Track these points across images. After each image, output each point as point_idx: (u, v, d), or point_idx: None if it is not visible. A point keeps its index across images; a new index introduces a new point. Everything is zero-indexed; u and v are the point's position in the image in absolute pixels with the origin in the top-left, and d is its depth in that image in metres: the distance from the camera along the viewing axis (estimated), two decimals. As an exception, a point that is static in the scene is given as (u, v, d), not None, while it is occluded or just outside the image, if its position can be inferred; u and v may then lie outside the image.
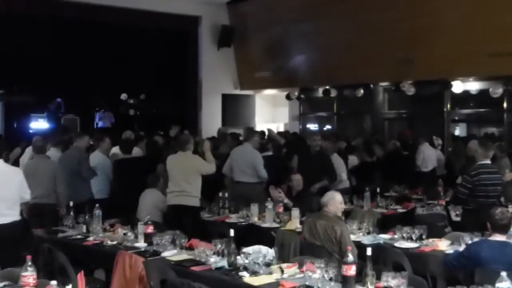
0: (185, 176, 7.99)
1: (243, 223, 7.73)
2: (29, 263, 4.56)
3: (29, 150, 9.44)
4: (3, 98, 15.84)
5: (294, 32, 16.08)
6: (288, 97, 17.21)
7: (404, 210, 8.58)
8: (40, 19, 14.68)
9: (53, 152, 9.14)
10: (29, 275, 4.54)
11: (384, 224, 7.50)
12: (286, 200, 8.06)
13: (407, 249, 6.16)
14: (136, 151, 10.08)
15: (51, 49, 14.81)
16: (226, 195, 8.49)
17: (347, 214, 7.59)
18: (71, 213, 7.26)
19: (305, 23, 15.56)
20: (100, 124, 16.17)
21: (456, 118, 14.85)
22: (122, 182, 9.01)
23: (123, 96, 16.38)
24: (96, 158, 9.22)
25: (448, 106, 14.38)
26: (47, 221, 7.52)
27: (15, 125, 13.89)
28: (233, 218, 7.98)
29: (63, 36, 15.14)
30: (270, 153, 10.24)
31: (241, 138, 11.56)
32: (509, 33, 11.77)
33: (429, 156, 11.31)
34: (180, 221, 7.46)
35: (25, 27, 14.58)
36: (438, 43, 12.91)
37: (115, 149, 9.77)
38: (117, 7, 15.53)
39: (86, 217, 7.08)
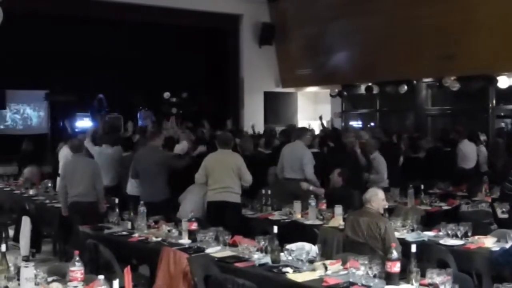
0: (227, 172, 8.00)
1: (286, 220, 7.73)
2: (77, 258, 4.64)
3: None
4: (48, 98, 16.17)
5: (335, 28, 16.01)
6: (336, 94, 17.17)
7: (449, 207, 8.48)
8: (82, 19, 14.89)
9: (107, 150, 9.47)
10: (77, 270, 4.62)
11: (429, 221, 7.44)
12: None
13: (452, 246, 6.09)
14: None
15: (93, 49, 15.02)
16: (269, 192, 8.49)
17: (390, 211, 7.54)
18: (116, 210, 7.37)
19: (346, 20, 15.48)
20: (142, 123, 16.33)
21: (502, 113, 14.61)
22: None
23: (166, 94, 16.51)
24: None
25: (494, 101, 14.15)
26: (89, 219, 7.61)
27: (60, 124, 14.14)
28: (276, 215, 7.99)
29: (106, 36, 15.34)
30: (315, 150, 10.26)
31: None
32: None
33: (468, 153, 11.11)
34: (222, 217, 7.49)
35: (67, 28, 14.81)
36: (480, 37, 12.74)
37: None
38: (159, 7, 15.66)
39: (131, 214, 7.18)
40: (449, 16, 13.07)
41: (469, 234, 6.23)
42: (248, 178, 8.03)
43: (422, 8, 13.51)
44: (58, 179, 10.96)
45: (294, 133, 10.09)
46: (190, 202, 8.05)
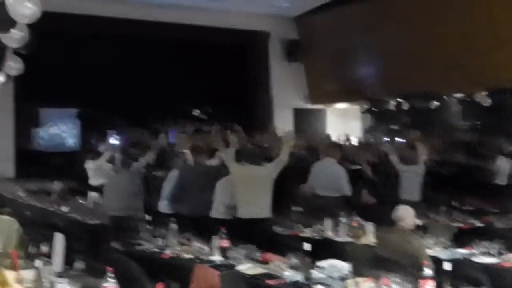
0: (257, 187, 8.00)
1: (317, 237, 7.71)
2: (110, 275, 4.67)
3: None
4: (80, 115, 16.39)
5: (362, 43, 15.98)
6: (365, 110, 17.13)
7: (482, 225, 8.38)
8: (112, 37, 15.12)
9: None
10: (110, 286, 4.65)
11: (461, 238, 7.34)
12: None
13: (486, 264, 6.02)
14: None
15: (124, 66, 15.21)
16: (300, 209, 8.47)
17: (422, 228, 7.47)
18: (148, 226, 7.40)
19: (373, 34, 15.43)
20: (172, 140, 16.41)
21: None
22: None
23: (195, 112, 16.61)
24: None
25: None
26: (128, 233, 7.67)
27: (92, 141, 14.32)
28: (307, 232, 7.96)
29: (137, 53, 15.53)
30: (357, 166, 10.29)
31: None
32: None
33: (503, 169, 11.00)
34: (252, 234, 7.49)
35: (98, 46, 15.02)
36: (509, 51, 12.58)
37: None
38: (189, 25, 15.87)
39: (163, 230, 7.21)
40: (479, 29, 12.97)
41: (503, 251, 6.15)
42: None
43: (453, 22, 13.42)
44: (90, 194, 11.11)
45: (325, 149, 10.05)
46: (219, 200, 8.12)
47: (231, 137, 8.53)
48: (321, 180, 9.22)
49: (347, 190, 9.14)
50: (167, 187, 9.21)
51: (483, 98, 13.86)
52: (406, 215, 6.20)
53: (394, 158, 9.83)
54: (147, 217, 7.59)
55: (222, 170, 8.80)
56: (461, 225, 8.28)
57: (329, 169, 9.32)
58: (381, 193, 9.20)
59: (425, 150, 10.82)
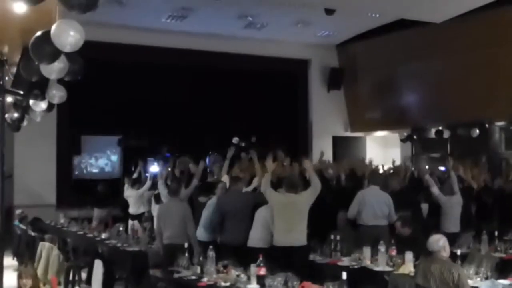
0: (294, 215, 7.99)
1: (356, 266, 7.64)
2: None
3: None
4: (121, 143, 16.61)
5: (404, 71, 15.97)
6: (405, 139, 17.01)
7: (525, 255, 8.22)
8: (154, 67, 15.36)
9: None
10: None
11: (503, 269, 7.21)
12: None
13: (528, 295, 5.90)
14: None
15: (164, 95, 15.41)
16: (338, 237, 8.41)
17: (463, 257, 7.36)
18: (186, 254, 7.43)
19: (415, 62, 15.43)
20: (210, 167, 16.45)
21: None
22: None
23: (235, 139, 16.66)
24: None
25: None
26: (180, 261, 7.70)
27: (132, 169, 14.48)
28: (345, 261, 7.89)
29: (176, 82, 15.72)
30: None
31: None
32: None
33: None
34: (289, 262, 7.45)
35: (139, 75, 15.26)
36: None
37: None
38: (230, 53, 16.08)
39: (201, 258, 7.23)
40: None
41: (546, 282, 6.02)
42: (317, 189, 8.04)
43: (495, 48, 13.33)
44: (129, 222, 11.21)
45: (371, 178, 9.96)
46: (258, 229, 8.11)
47: (268, 164, 8.53)
48: (367, 208, 9.13)
49: (394, 218, 9.06)
50: (206, 214, 9.25)
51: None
52: (445, 245, 6.12)
53: (434, 190, 9.71)
54: (186, 244, 7.61)
55: (261, 198, 8.81)
56: (503, 255, 8.13)
57: (375, 197, 9.25)
58: (422, 224, 9.06)
59: (465, 178, 10.71)
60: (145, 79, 15.40)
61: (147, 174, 13.03)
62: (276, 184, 8.75)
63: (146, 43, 15.31)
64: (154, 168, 14.40)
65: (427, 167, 11.87)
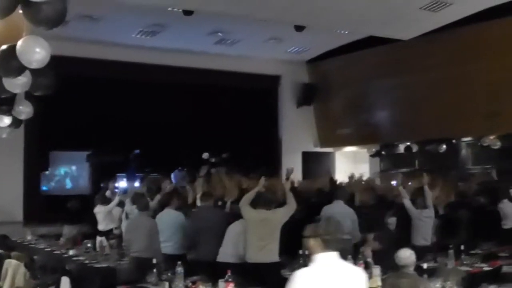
0: (267, 232, 8.01)
1: (324, 281, 7.64)
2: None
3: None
4: (90, 159, 16.47)
5: (375, 88, 16.13)
6: (374, 154, 17.16)
7: (491, 268, 8.31)
8: (122, 82, 15.30)
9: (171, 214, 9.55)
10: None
11: (470, 282, 7.29)
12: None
13: (494, 308, 5.97)
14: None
15: (133, 111, 15.34)
16: (306, 252, 8.41)
17: (431, 272, 7.42)
18: (154, 270, 7.39)
19: (386, 79, 15.60)
20: (176, 183, 16.36)
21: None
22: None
23: (205, 155, 16.65)
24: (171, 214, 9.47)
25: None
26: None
27: (101, 185, 14.36)
28: (315, 276, 7.89)
29: (146, 97, 15.66)
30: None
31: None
32: None
33: (508, 213, 10.89)
34: (261, 278, 7.45)
35: (108, 90, 15.17)
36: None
37: None
38: (201, 69, 16.09)
39: (169, 274, 7.20)
40: (493, 74, 13.09)
41: (512, 296, 6.10)
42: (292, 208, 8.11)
43: (465, 66, 13.54)
44: (98, 238, 11.11)
45: (337, 193, 10.02)
46: (229, 244, 8.11)
47: (252, 182, 8.62)
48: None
49: (357, 233, 9.13)
50: (175, 230, 9.23)
51: (493, 142, 13.85)
52: (412, 260, 6.18)
53: (407, 202, 9.80)
54: (154, 260, 7.57)
55: (233, 214, 8.84)
56: (469, 269, 8.22)
57: (340, 212, 9.29)
58: (393, 238, 9.11)
59: (433, 193, 10.82)
60: (115, 95, 15.30)
61: (116, 190, 12.94)
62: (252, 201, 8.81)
63: (117, 58, 15.26)
64: (123, 184, 14.34)
65: (394, 182, 12.01)
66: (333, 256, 3.94)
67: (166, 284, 7.09)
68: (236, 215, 8.60)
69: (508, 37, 12.78)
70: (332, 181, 12.76)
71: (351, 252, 8.20)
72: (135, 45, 15.20)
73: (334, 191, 10.51)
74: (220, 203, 9.84)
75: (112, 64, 15.30)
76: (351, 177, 13.00)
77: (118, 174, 15.30)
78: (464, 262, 8.43)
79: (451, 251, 8.37)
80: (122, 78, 15.36)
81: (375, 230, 8.80)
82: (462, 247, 8.77)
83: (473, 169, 15.48)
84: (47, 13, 4.58)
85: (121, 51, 15.14)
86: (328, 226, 4.11)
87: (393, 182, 16.81)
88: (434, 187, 11.18)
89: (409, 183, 11.99)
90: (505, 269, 7.47)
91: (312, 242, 4.01)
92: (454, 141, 15.20)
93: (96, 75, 15.01)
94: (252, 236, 8.01)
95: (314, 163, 17.97)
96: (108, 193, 12.49)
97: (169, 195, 10.11)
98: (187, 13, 12.49)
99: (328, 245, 3.95)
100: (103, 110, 15.09)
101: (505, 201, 10.97)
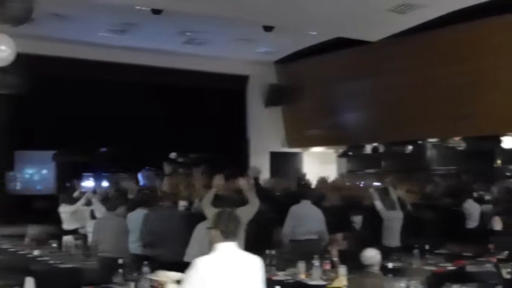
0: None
1: (290, 281, 7.69)
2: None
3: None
4: (56, 158, 16.32)
5: (343, 90, 16.22)
6: (341, 154, 17.29)
7: (454, 268, 8.43)
8: (90, 81, 15.15)
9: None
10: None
11: (434, 282, 7.38)
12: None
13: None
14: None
15: (100, 110, 15.22)
16: (273, 252, 8.46)
17: (396, 271, 7.51)
18: (120, 270, 7.34)
19: (354, 81, 15.70)
20: (143, 183, 16.30)
21: (508, 173, 14.61)
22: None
23: (172, 155, 16.60)
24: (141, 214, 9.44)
25: (498, 161, 14.19)
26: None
27: (67, 185, 14.24)
28: (280, 276, 7.95)
29: (115, 96, 15.54)
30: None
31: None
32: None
33: (473, 213, 11.08)
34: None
35: (75, 89, 15.03)
36: (489, 99, 12.84)
37: None
38: (169, 69, 16.02)
39: (135, 274, 7.16)
40: (459, 78, 13.24)
41: (474, 295, 6.20)
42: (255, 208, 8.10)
43: (433, 70, 13.70)
44: (63, 238, 11.02)
45: (304, 192, 10.09)
46: (195, 244, 8.13)
47: (215, 181, 8.58)
48: (300, 223, 9.22)
49: (325, 234, 9.19)
50: (141, 229, 9.18)
51: (457, 143, 14.05)
52: (378, 260, 6.24)
53: (378, 204, 9.89)
54: (120, 260, 7.53)
55: (199, 214, 8.82)
56: (434, 268, 8.33)
57: (308, 212, 9.35)
58: (362, 238, 9.22)
59: (400, 194, 10.95)
60: (83, 94, 15.15)
61: (82, 190, 12.84)
62: (214, 201, 8.78)
63: (85, 57, 15.09)
64: (89, 183, 14.23)
65: (362, 182, 12.13)
66: (231, 245, 4.35)
67: (132, 284, 7.04)
68: (202, 215, 8.61)
69: (474, 41, 12.96)
70: (300, 181, 12.82)
71: (318, 252, 8.27)
72: (103, 43, 15.08)
73: (301, 191, 10.57)
74: (186, 203, 9.82)
75: (80, 63, 15.14)
76: (321, 180, 13.14)
77: (84, 174, 15.19)
78: (429, 262, 8.54)
79: (416, 251, 8.47)
80: (89, 77, 15.21)
81: (341, 230, 8.88)
82: (427, 247, 8.90)
83: (438, 170, 15.68)
84: (13, 11, 4.54)
85: (89, 50, 15.00)
86: (226, 219, 4.47)
87: (361, 183, 17.01)
88: (399, 188, 11.34)
89: (374, 184, 12.15)
90: (468, 268, 7.57)
91: (213, 233, 4.41)
92: (420, 142, 15.37)
93: (63, 74, 14.85)
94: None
95: (282, 163, 18.03)
96: (76, 193, 12.38)
97: (141, 195, 10.08)
98: (156, 12, 12.43)
99: (226, 236, 4.35)
100: (70, 109, 14.94)
101: (470, 201, 11.14)
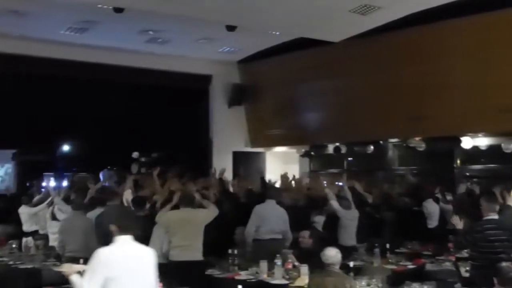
0: (191, 231, 8.04)
1: (253, 280, 7.72)
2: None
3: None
4: (16, 158, 16.09)
5: (305, 90, 16.28)
6: (304, 154, 17.37)
7: (414, 266, 8.55)
8: (50, 79, 14.98)
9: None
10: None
11: (395, 280, 7.48)
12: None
13: (417, 305, 6.14)
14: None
15: (64, 109, 15.07)
16: (235, 251, 8.49)
17: (357, 270, 7.59)
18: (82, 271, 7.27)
19: (317, 82, 15.78)
20: (104, 183, 16.14)
21: (468, 174, 14.84)
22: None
23: (135, 154, 16.52)
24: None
25: (458, 162, 14.42)
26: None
27: (27, 184, 14.08)
28: (243, 275, 7.97)
29: (77, 95, 15.41)
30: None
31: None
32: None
33: (433, 212, 11.20)
34: (186, 276, 7.45)
35: (35, 88, 14.86)
36: (448, 100, 13.02)
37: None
38: (131, 68, 15.91)
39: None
40: (420, 79, 13.40)
41: (433, 293, 6.30)
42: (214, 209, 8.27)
43: (393, 71, 13.84)
44: (23, 239, 10.86)
45: (269, 192, 10.10)
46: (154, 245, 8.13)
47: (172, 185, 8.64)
48: (264, 223, 9.24)
49: (289, 233, 9.24)
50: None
51: (418, 143, 14.23)
52: (337, 259, 6.30)
53: (334, 203, 9.98)
54: (81, 260, 7.45)
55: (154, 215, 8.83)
56: (394, 267, 8.44)
57: (272, 212, 9.37)
58: (321, 237, 9.26)
59: (361, 193, 11.06)
60: (43, 92, 14.99)
61: (42, 190, 12.69)
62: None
63: (46, 55, 14.89)
64: (50, 183, 14.07)
65: (324, 182, 12.20)
66: (127, 238, 4.88)
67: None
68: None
69: (433, 43, 13.12)
70: (264, 181, 12.84)
71: (280, 252, 8.31)
72: (64, 41, 14.88)
73: (265, 191, 10.59)
74: (148, 204, 9.77)
75: (40, 61, 14.93)
76: (283, 177, 13.17)
77: (45, 173, 15.03)
78: (390, 261, 8.66)
79: (377, 250, 8.58)
80: (50, 75, 15.02)
81: (304, 229, 8.92)
82: (388, 246, 9.01)
83: (399, 170, 15.85)
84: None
85: (49, 48, 14.80)
86: (124, 216, 5.13)
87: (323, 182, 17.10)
88: (360, 187, 11.46)
89: (336, 183, 12.25)
90: (428, 267, 7.70)
91: (112, 228, 4.90)
92: (381, 142, 15.53)
93: (23, 72, 14.66)
94: (176, 237, 8.02)
95: (245, 163, 18.04)
96: (37, 198, 12.15)
97: (104, 194, 9.99)
98: (118, 10, 12.32)
99: (123, 230, 4.88)
100: (30, 108, 14.77)
101: (430, 201, 11.28)
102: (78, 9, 12.74)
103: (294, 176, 14.89)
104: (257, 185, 12.82)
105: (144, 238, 8.28)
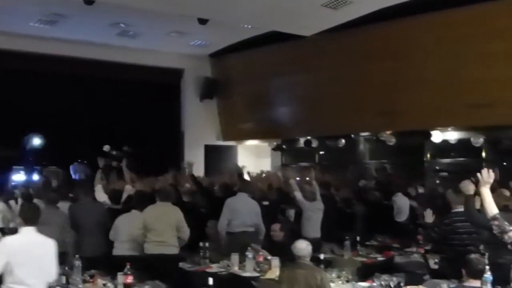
0: (167, 226, 8.03)
1: (224, 272, 7.74)
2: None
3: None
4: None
5: (277, 84, 16.32)
6: (276, 148, 17.43)
7: (384, 259, 8.65)
8: (19, 73, 14.79)
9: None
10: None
11: (365, 272, 7.56)
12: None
13: (386, 296, 6.21)
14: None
15: (33, 102, 14.87)
16: (207, 244, 8.50)
17: (327, 263, 7.65)
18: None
19: (288, 76, 15.81)
20: (74, 176, 16.02)
21: (437, 167, 15.00)
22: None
23: (106, 148, 16.37)
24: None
25: (428, 156, 14.57)
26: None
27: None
28: (214, 268, 7.99)
29: (46, 89, 15.21)
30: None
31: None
32: (487, 85, 11.99)
33: (402, 206, 11.26)
34: (159, 271, 7.45)
35: (7, 81, 14.67)
36: (418, 95, 13.13)
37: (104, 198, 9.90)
38: (102, 61, 15.80)
39: (66, 268, 7.07)
40: (390, 73, 13.49)
41: (402, 284, 6.38)
42: (187, 233, 8.11)
43: (364, 65, 13.92)
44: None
45: (240, 185, 10.13)
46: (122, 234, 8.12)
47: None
48: (236, 216, 9.26)
49: (263, 226, 9.27)
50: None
51: (388, 137, 14.34)
52: (308, 251, 6.34)
53: (298, 195, 10.02)
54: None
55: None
56: (364, 259, 8.53)
57: (244, 205, 9.40)
58: (289, 229, 9.31)
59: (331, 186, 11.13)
60: (12, 85, 14.77)
61: (13, 183, 12.57)
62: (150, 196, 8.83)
63: (14, 48, 14.70)
64: (20, 177, 13.93)
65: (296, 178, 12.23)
66: (31, 229, 5.54)
67: (63, 278, 6.96)
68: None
69: (403, 38, 13.23)
70: (241, 176, 12.82)
71: (252, 245, 8.34)
72: (33, 34, 14.70)
73: (237, 183, 10.63)
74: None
75: (8, 54, 14.73)
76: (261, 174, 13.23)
77: (14, 167, 14.86)
78: (360, 253, 8.76)
79: (347, 243, 8.66)
80: (19, 68, 14.83)
81: (275, 222, 8.97)
82: (358, 239, 9.10)
83: (370, 163, 15.97)
84: None
85: (18, 41, 14.60)
86: (28, 210, 5.80)
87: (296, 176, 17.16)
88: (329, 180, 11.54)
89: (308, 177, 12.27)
90: (397, 259, 7.81)
91: (18, 220, 5.68)
92: (352, 136, 15.63)
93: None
94: (151, 232, 8.01)
95: (216, 156, 18.04)
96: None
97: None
98: (88, 2, 12.22)
99: (27, 221, 5.57)
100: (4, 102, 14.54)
101: (399, 195, 11.36)
102: (49, 1, 12.63)
103: (262, 171, 15.00)
104: (234, 180, 12.82)
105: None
